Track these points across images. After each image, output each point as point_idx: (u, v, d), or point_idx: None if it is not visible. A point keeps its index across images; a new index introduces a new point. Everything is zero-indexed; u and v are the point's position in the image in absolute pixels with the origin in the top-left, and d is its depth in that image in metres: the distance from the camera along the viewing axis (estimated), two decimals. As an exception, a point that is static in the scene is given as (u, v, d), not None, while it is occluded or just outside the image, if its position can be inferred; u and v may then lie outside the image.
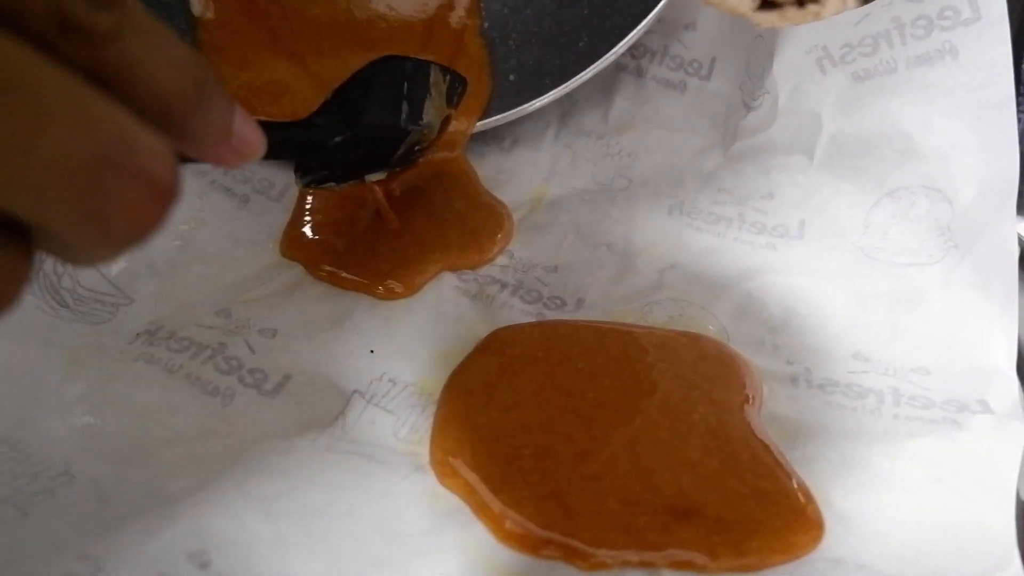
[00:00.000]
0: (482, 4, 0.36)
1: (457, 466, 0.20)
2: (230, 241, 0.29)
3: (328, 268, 0.27)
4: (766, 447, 0.22)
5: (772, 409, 0.24)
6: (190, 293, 0.27)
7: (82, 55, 0.12)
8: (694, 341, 0.26)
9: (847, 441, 0.22)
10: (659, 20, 0.37)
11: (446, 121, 0.28)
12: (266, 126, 0.16)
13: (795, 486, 0.20)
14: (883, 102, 0.31)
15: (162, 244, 0.28)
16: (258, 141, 0.16)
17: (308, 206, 0.30)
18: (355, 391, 0.23)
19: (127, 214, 0.11)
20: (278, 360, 0.24)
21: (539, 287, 0.29)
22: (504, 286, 0.29)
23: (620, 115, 0.37)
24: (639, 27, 0.32)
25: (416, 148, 0.27)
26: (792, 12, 0.56)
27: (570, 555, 0.18)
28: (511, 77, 0.34)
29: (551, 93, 0.32)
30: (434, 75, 0.26)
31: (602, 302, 0.28)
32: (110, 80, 0.12)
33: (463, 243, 0.30)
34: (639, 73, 0.37)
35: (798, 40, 0.33)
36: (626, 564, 0.18)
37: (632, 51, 0.38)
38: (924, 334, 0.27)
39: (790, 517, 0.20)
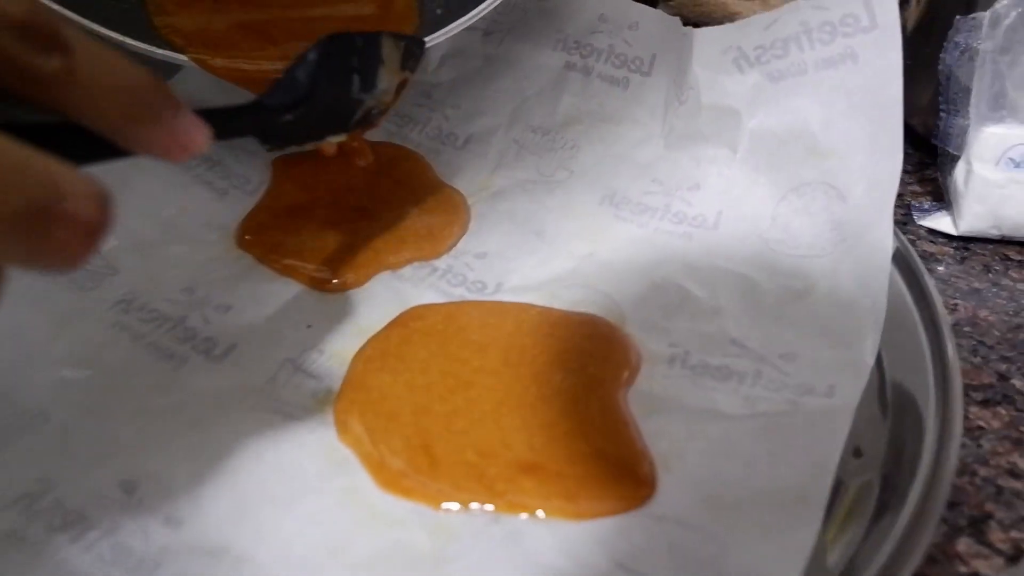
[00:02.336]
0: None
1: (350, 423, 0.24)
2: (206, 228, 0.34)
3: (281, 261, 0.31)
4: (619, 417, 0.25)
5: (643, 386, 0.27)
6: (164, 270, 0.31)
7: (33, 94, 0.15)
8: (586, 322, 0.29)
9: (695, 416, 0.26)
10: (604, 19, 0.40)
11: (403, 83, 0.31)
12: (217, 113, 0.19)
13: (636, 450, 0.24)
14: (794, 102, 0.34)
15: (149, 226, 0.33)
16: (203, 139, 0.19)
17: (269, 202, 0.34)
18: (287, 359, 0.28)
19: (60, 251, 0.14)
20: (227, 331, 0.29)
21: (465, 271, 0.33)
22: (434, 270, 0.33)
23: (567, 111, 0.40)
24: None
25: (373, 111, 0.30)
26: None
27: (431, 497, 0.23)
28: (438, 11, 0.35)
29: (474, 12, 0.33)
30: (387, 45, 0.29)
31: (520, 286, 0.32)
32: (64, 111, 0.16)
33: (419, 238, 0.34)
34: (586, 71, 0.40)
35: (714, 40, 0.35)
36: (473, 506, 0.22)
37: (580, 51, 0.41)
38: (803, 323, 0.29)
39: (623, 476, 0.23)
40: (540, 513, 0.22)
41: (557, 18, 0.41)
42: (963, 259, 0.35)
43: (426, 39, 0.32)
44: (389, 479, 0.23)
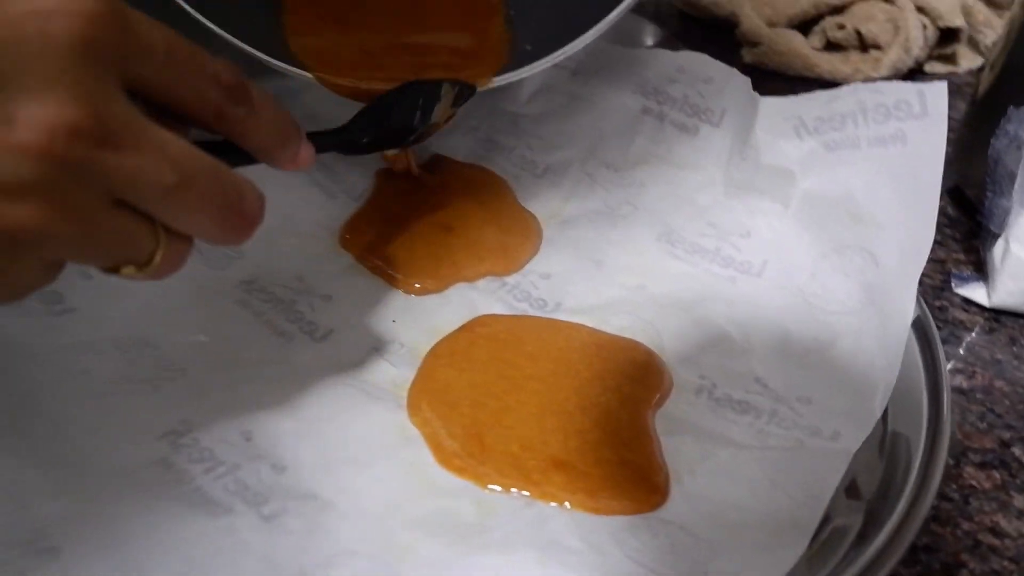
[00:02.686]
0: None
1: (419, 407, 0.30)
2: (316, 225, 0.40)
3: (374, 262, 0.37)
4: (645, 432, 0.29)
5: (671, 409, 0.31)
6: (280, 259, 0.37)
7: (220, 129, 0.23)
8: (628, 347, 0.34)
9: (711, 440, 0.30)
10: (682, 71, 0.44)
11: (451, 116, 0.38)
12: (318, 135, 0.27)
13: (654, 463, 0.28)
14: (845, 171, 0.37)
15: (272, 218, 0.39)
16: (311, 157, 0.26)
17: (363, 214, 0.40)
18: (373, 347, 0.33)
19: (237, 232, 0.23)
20: (327, 318, 0.34)
21: (530, 289, 0.38)
22: (504, 284, 0.38)
23: (638, 151, 0.44)
24: None
25: (423, 135, 0.37)
26: (855, 56, 0.60)
27: (479, 477, 0.27)
28: (527, 47, 0.38)
29: (560, 51, 0.36)
30: (444, 89, 0.36)
31: (575, 307, 0.36)
32: (232, 138, 0.23)
33: (495, 255, 0.39)
34: (660, 117, 0.44)
35: (780, 108, 0.39)
36: (515, 490, 0.27)
37: (657, 97, 0.45)
38: (823, 372, 0.33)
39: (640, 482, 0.28)
40: (567, 504, 0.27)
41: (639, 65, 0.46)
42: (991, 330, 0.37)
43: (512, 74, 0.37)
44: (445, 458, 0.28)
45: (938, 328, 0.37)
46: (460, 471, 0.28)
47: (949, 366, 0.35)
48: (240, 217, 0.22)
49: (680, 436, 0.30)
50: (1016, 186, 0.36)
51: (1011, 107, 0.36)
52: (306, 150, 0.26)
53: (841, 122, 0.37)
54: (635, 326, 0.35)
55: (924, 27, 0.59)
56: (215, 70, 0.21)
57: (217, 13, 0.34)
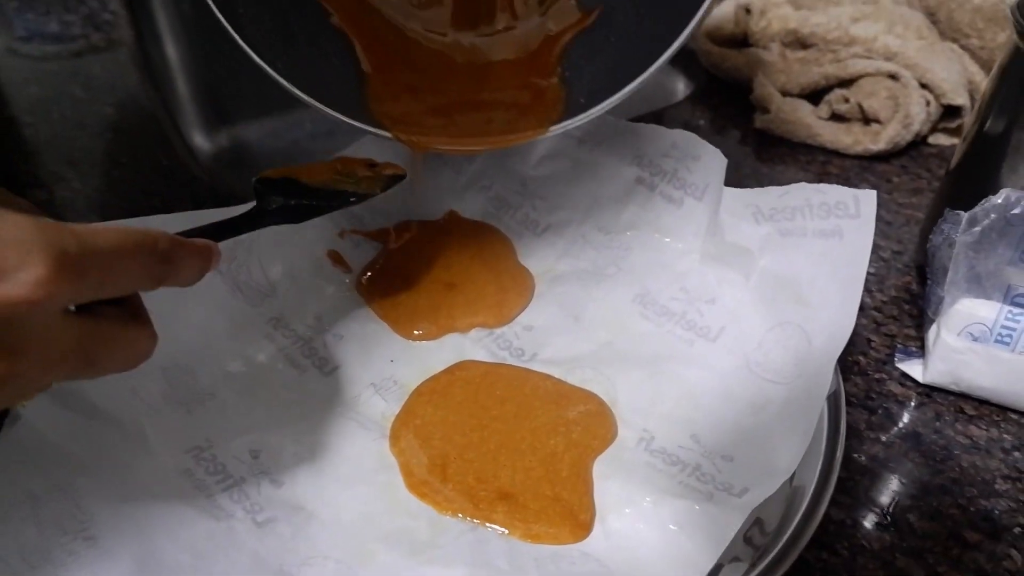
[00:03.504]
0: (564, 60, 0.47)
1: (398, 438, 0.36)
2: (336, 272, 0.47)
3: (384, 308, 0.44)
4: (581, 475, 0.35)
5: (610, 455, 0.37)
6: (304, 298, 0.44)
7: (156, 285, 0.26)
8: (585, 398, 0.39)
9: (638, 487, 0.35)
10: (675, 147, 0.49)
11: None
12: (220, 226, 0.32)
13: (584, 503, 0.34)
14: (793, 255, 0.42)
15: (304, 262, 0.47)
16: (216, 263, 0.29)
17: (378, 264, 0.46)
18: (371, 383, 0.40)
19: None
20: (337, 354, 0.41)
21: (513, 339, 0.44)
22: (491, 334, 0.44)
23: (629, 217, 0.49)
24: (684, 34, 0.41)
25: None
26: (857, 128, 0.64)
27: (437, 503, 0.34)
28: (580, 100, 0.44)
29: (603, 105, 0.42)
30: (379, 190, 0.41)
31: (549, 358, 0.42)
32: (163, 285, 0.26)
33: (490, 310, 0.45)
34: (651, 187, 0.50)
35: (741, 196, 0.44)
36: (462, 516, 0.33)
37: (651, 169, 0.50)
38: (750, 433, 0.38)
39: (569, 518, 0.33)
40: (505, 531, 0.33)
41: (639, 139, 0.51)
42: (921, 404, 0.42)
43: (568, 123, 0.43)
44: (413, 483, 0.35)
45: (872, 399, 0.42)
46: (423, 496, 0.34)
47: (872, 435, 0.40)
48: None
49: (613, 480, 0.36)
50: (948, 280, 0.40)
51: (947, 209, 0.40)
52: (215, 259, 0.29)
53: (791, 214, 0.42)
54: (596, 379, 0.41)
55: (927, 103, 0.62)
56: (154, 247, 0.24)
57: (308, 84, 0.42)
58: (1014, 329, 0.39)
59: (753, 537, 0.33)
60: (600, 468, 0.36)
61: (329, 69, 0.45)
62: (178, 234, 0.28)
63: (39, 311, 0.20)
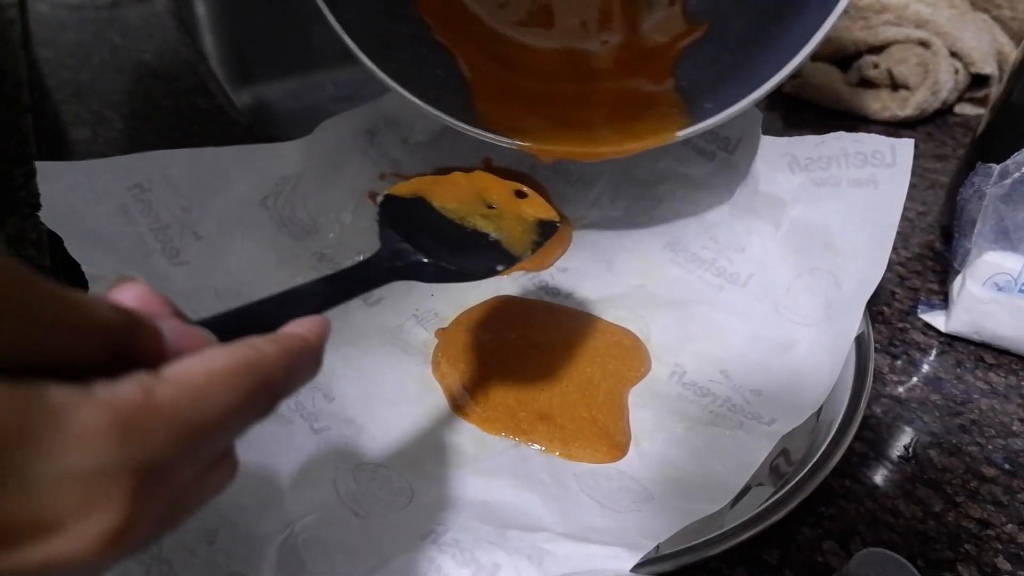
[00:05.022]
0: (678, 70, 0.47)
1: (440, 364, 0.38)
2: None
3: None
4: (617, 401, 0.37)
5: (644, 387, 0.39)
6: (348, 235, 0.46)
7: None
8: (620, 333, 0.41)
9: (671, 415, 0.37)
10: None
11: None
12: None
13: (620, 426, 0.36)
14: (826, 205, 0.43)
15: (344, 202, 0.48)
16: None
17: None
18: (413, 313, 0.42)
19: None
20: (380, 289, 0.42)
21: (548, 280, 0.45)
22: (526, 274, 0.45)
23: (663, 169, 0.51)
24: (814, 40, 0.38)
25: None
26: (885, 94, 0.65)
27: (480, 422, 0.35)
28: (707, 105, 0.42)
29: (739, 106, 0.40)
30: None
31: (582, 299, 0.44)
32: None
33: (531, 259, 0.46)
34: (686, 141, 0.51)
35: (777, 146, 0.45)
36: (505, 434, 0.35)
37: (683, 126, 0.51)
38: (778, 371, 0.39)
39: (605, 439, 0.35)
40: (545, 449, 0.35)
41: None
42: (943, 352, 0.43)
43: (693, 129, 0.41)
44: (456, 405, 0.36)
45: (895, 345, 0.43)
46: (466, 416, 0.36)
47: (895, 378, 0.41)
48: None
49: (646, 409, 0.37)
50: (975, 232, 0.41)
51: (979, 162, 0.41)
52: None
53: (827, 163, 0.43)
54: (630, 317, 0.43)
55: (956, 71, 0.63)
56: (267, 384, 0.18)
57: (420, 91, 0.41)
58: (1038, 279, 0.40)
59: (779, 466, 0.35)
60: (634, 398, 0.38)
61: (435, 81, 0.44)
62: (277, 298, 0.23)
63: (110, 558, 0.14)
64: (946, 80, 0.62)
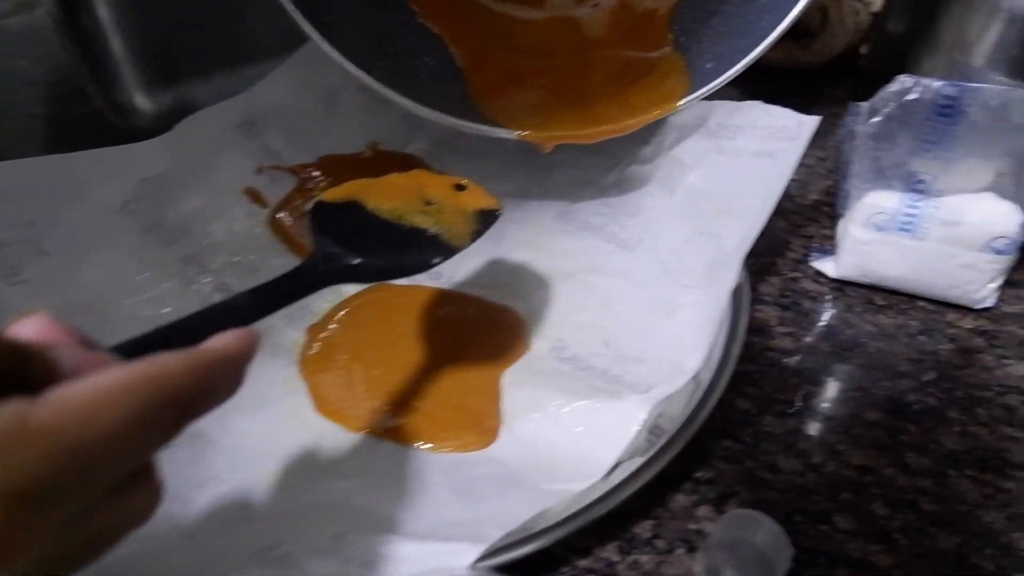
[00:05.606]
0: (674, 26, 0.46)
1: (306, 363, 0.37)
2: (252, 208, 0.47)
3: (293, 243, 0.44)
4: (489, 384, 0.36)
5: (522, 365, 0.37)
6: (220, 235, 0.44)
7: None
8: (500, 312, 0.40)
9: (547, 392, 0.35)
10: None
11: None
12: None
13: (491, 409, 0.35)
14: (725, 174, 0.42)
15: (218, 199, 0.46)
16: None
17: (293, 200, 0.46)
18: (286, 313, 0.40)
19: None
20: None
21: (430, 263, 0.44)
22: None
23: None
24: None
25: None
26: (787, 41, 0.63)
27: (345, 420, 0.34)
28: (708, 65, 0.42)
29: (741, 64, 0.41)
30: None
31: (465, 280, 0.43)
32: None
33: None
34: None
35: (695, 108, 0.44)
36: (368, 432, 0.34)
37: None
38: (662, 337, 0.38)
39: (474, 425, 0.34)
40: (410, 443, 0.33)
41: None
42: (833, 299, 0.42)
43: (698, 93, 0.42)
44: (321, 404, 0.35)
45: (786, 296, 0.42)
46: (330, 415, 0.34)
47: (784, 330, 0.40)
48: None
49: (523, 388, 0.36)
50: (852, 174, 0.40)
51: (850, 102, 0.40)
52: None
53: (735, 132, 0.42)
54: (513, 294, 0.41)
55: (857, 12, 0.62)
56: (173, 399, 0.18)
57: (411, 89, 0.40)
58: (914, 216, 0.39)
59: (655, 429, 0.34)
60: (511, 377, 0.37)
61: (427, 71, 0.44)
62: (199, 315, 0.22)
63: None
64: (847, 22, 0.61)
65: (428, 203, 0.35)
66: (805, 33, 0.62)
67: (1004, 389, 0.37)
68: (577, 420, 0.34)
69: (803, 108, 0.58)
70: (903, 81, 0.37)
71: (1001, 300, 0.42)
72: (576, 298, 0.41)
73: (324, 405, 0.35)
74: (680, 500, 0.33)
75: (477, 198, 0.36)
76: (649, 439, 0.33)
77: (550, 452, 0.33)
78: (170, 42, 0.78)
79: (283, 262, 0.43)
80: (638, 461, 0.32)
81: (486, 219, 0.35)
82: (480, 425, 0.34)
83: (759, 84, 0.61)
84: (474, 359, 0.37)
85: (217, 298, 0.40)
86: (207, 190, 0.45)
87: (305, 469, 0.32)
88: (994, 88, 0.36)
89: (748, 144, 0.42)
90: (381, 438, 0.34)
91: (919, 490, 0.33)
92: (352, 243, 0.30)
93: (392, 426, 0.34)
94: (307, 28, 0.38)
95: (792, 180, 0.50)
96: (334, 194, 0.33)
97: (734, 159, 0.42)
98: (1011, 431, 0.35)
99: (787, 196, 0.47)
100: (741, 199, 0.40)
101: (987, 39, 0.39)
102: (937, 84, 0.36)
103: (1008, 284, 0.43)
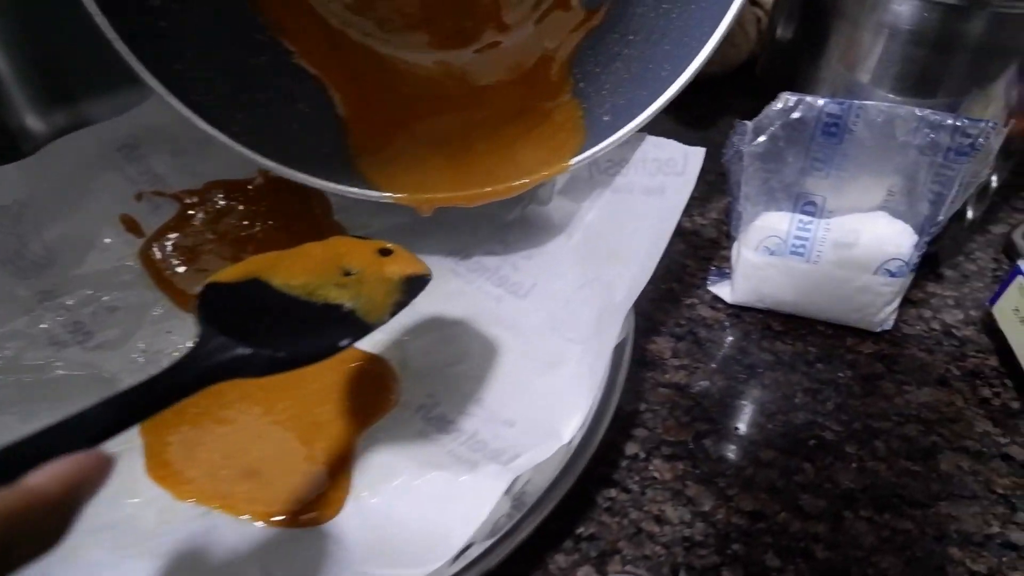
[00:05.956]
0: (575, 70, 0.42)
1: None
2: (127, 237, 0.42)
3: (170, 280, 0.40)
4: (344, 448, 0.32)
5: (386, 424, 0.34)
6: (86, 268, 0.39)
7: None
8: (369, 363, 0.36)
9: (401, 457, 0.32)
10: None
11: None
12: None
13: (338, 478, 0.31)
14: (617, 214, 0.39)
15: (89, 226, 0.42)
16: None
17: (170, 230, 0.42)
18: (139, 357, 0.36)
19: None
20: (105, 329, 0.37)
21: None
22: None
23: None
24: (710, 44, 0.36)
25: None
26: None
27: (175, 486, 0.30)
28: (605, 118, 0.39)
29: (638, 120, 0.37)
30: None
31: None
32: None
33: None
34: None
35: None
36: (197, 500, 0.30)
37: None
38: (538, 395, 0.34)
39: (318, 496, 0.30)
40: (239, 514, 0.30)
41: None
42: (730, 326, 0.40)
43: (593, 150, 0.38)
44: (153, 466, 0.31)
45: (681, 325, 0.40)
46: (161, 479, 0.31)
47: (677, 363, 0.38)
48: None
49: (379, 452, 0.32)
50: (742, 195, 0.38)
51: (736, 120, 0.38)
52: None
53: (626, 168, 0.39)
54: (389, 341, 0.38)
55: (758, 19, 0.61)
56: None
57: (276, 146, 0.35)
58: (806, 239, 0.37)
59: (519, 503, 0.30)
60: (371, 437, 0.33)
61: (300, 121, 0.39)
62: (41, 433, 0.19)
63: None
64: (749, 31, 0.60)
65: (347, 273, 0.30)
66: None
67: (903, 419, 0.36)
68: (430, 494, 0.30)
69: (707, 120, 0.57)
70: (786, 99, 0.35)
71: (901, 321, 0.40)
72: (455, 348, 0.38)
73: (156, 468, 0.31)
74: (559, 560, 0.30)
75: (403, 264, 0.32)
76: (511, 514, 0.29)
77: (397, 530, 0.29)
78: (63, 59, 0.73)
79: (146, 300, 0.39)
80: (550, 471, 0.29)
81: (412, 287, 0.30)
82: (323, 496, 0.30)
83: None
84: (333, 415, 0.34)
85: (68, 339, 0.36)
86: (78, 218, 0.41)
87: (120, 543, 0.28)
88: (879, 105, 0.34)
89: (639, 179, 0.39)
90: (212, 508, 0.30)
91: (813, 536, 0.31)
92: (246, 330, 0.25)
93: (226, 493, 0.30)
94: (149, 79, 0.33)
95: (692, 198, 0.49)
96: (231, 273, 0.28)
97: (627, 196, 0.39)
98: (909, 464, 0.34)
99: (686, 215, 0.45)
100: (631, 242, 0.37)
101: (872, 54, 0.37)
102: (821, 102, 0.35)
103: (909, 303, 0.42)
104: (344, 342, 0.27)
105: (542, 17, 0.45)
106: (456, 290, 0.41)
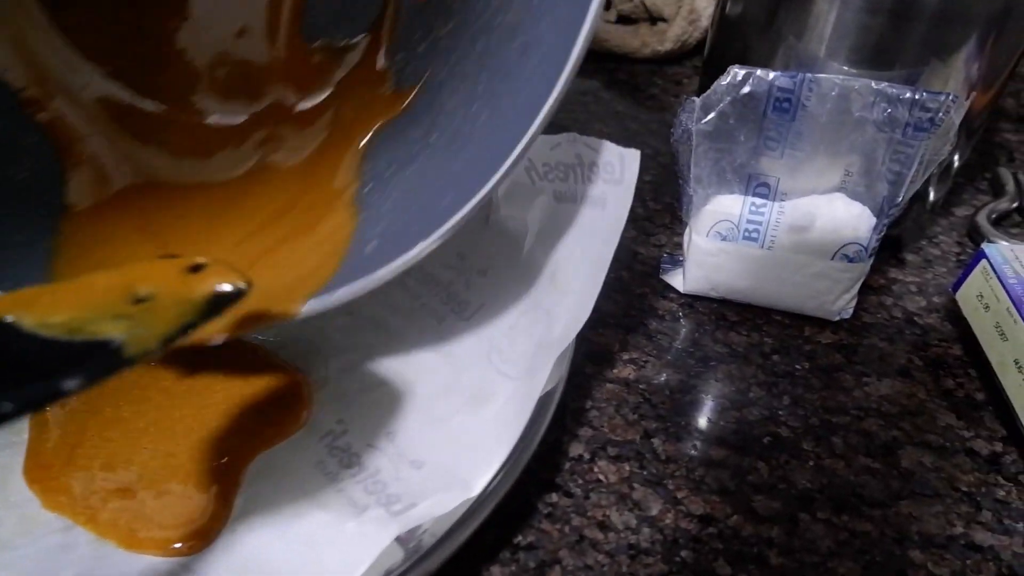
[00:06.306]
0: (368, 165, 0.34)
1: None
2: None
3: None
4: (230, 471, 0.29)
5: (284, 449, 0.30)
6: None
7: None
8: (283, 377, 0.32)
9: (287, 492, 0.28)
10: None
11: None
12: None
13: (214, 507, 0.27)
14: (562, 228, 0.34)
15: None
16: None
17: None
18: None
19: None
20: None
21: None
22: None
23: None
24: (487, 187, 0.28)
25: None
26: (644, 29, 0.60)
27: (45, 492, 0.27)
28: (368, 247, 0.30)
29: (398, 262, 0.28)
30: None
31: (267, 332, 0.35)
32: None
33: None
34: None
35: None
36: (61, 513, 0.27)
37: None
38: (457, 435, 0.30)
39: (185, 524, 0.27)
40: (100, 534, 0.26)
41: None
42: (682, 316, 0.38)
43: (333, 298, 0.28)
44: (30, 467, 0.28)
45: (631, 316, 0.38)
46: (33, 482, 0.28)
47: (626, 357, 0.36)
48: None
49: (268, 481, 0.29)
50: (691, 178, 0.36)
51: (685, 96, 0.36)
52: None
53: (565, 173, 0.34)
54: (315, 352, 0.34)
55: (716, -3, 0.59)
56: None
57: None
58: (760, 223, 0.35)
59: (421, 542, 0.26)
60: (262, 463, 0.30)
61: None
62: None
63: None
64: (704, 7, 0.57)
65: (140, 300, 0.23)
66: (660, 19, 0.59)
67: (862, 412, 0.34)
68: (308, 539, 0.27)
69: (663, 102, 0.55)
70: (735, 73, 0.33)
71: (861, 309, 0.39)
72: (378, 371, 0.34)
73: (33, 469, 0.28)
74: (495, 572, 0.27)
75: (213, 279, 0.24)
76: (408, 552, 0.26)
77: (267, 572, 0.26)
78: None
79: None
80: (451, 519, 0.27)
81: (216, 305, 0.23)
82: (191, 525, 0.27)
83: (615, 76, 0.58)
84: (232, 432, 0.30)
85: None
86: None
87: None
88: (833, 78, 0.32)
89: (579, 188, 0.34)
90: (74, 523, 0.27)
91: (766, 541, 0.29)
92: None
93: (94, 509, 0.27)
94: None
95: (644, 182, 0.46)
96: None
97: (570, 207, 0.34)
98: (868, 461, 0.32)
99: (638, 199, 0.43)
100: (572, 265, 0.33)
101: (825, 24, 0.35)
102: (772, 75, 0.32)
103: (870, 290, 0.40)
104: (70, 384, 0.20)
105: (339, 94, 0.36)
106: (399, 303, 0.36)
